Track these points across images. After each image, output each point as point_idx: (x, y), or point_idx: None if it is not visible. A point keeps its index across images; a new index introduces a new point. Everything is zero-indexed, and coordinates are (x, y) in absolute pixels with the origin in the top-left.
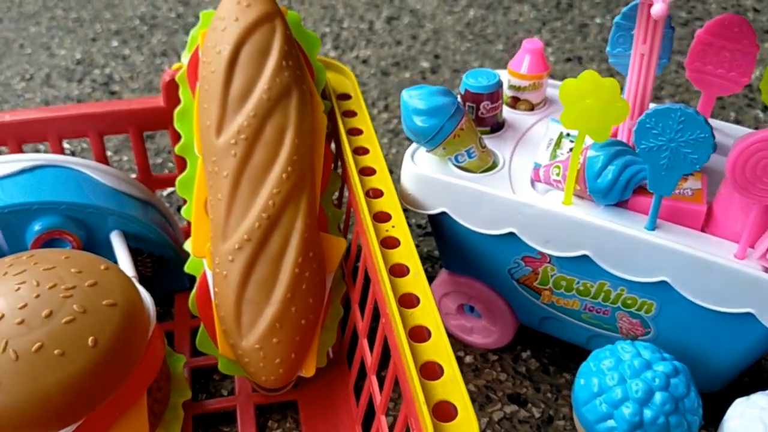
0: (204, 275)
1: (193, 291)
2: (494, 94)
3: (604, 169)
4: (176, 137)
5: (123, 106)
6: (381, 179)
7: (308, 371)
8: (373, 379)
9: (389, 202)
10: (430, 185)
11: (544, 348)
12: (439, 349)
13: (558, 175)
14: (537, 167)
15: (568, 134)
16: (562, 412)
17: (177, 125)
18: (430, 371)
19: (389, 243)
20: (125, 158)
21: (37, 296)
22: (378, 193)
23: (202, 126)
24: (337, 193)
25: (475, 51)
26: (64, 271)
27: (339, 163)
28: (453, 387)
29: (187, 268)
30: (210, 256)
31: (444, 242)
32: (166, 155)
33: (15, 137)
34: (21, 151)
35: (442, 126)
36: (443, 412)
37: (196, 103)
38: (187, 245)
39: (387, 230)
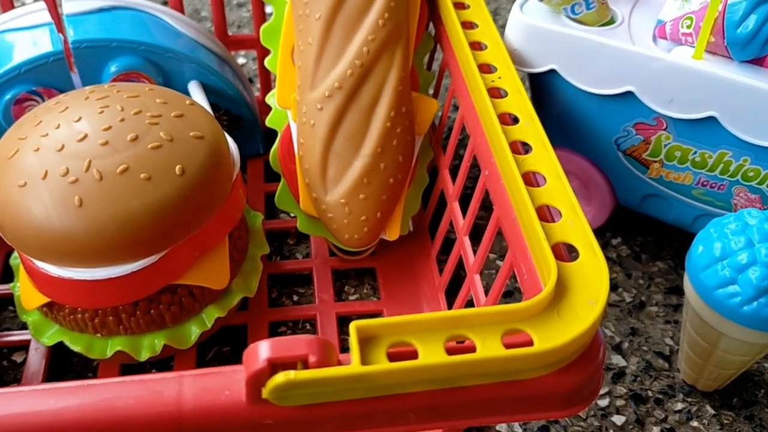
0: (288, 128)
1: (275, 145)
2: None
3: (747, 17)
4: None
5: None
6: (484, 33)
7: (392, 234)
8: (465, 241)
9: (494, 54)
10: (540, 38)
11: (636, 236)
12: (555, 193)
13: (689, 27)
14: (662, 23)
15: None
16: (655, 298)
17: None
18: (546, 216)
19: (495, 94)
20: None
21: (122, 120)
22: (480, 47)
23: None
24: (427, 57)
25: None
26: (149, 100)
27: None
28: (573, 229)
29: (269, 122)
30: (296, 106)
31: (545, 110)
32: (235, 29)
33: None
34: None
35: None
36: (559, 254)
37: None
38: (270, 99)
39: (493, 81)
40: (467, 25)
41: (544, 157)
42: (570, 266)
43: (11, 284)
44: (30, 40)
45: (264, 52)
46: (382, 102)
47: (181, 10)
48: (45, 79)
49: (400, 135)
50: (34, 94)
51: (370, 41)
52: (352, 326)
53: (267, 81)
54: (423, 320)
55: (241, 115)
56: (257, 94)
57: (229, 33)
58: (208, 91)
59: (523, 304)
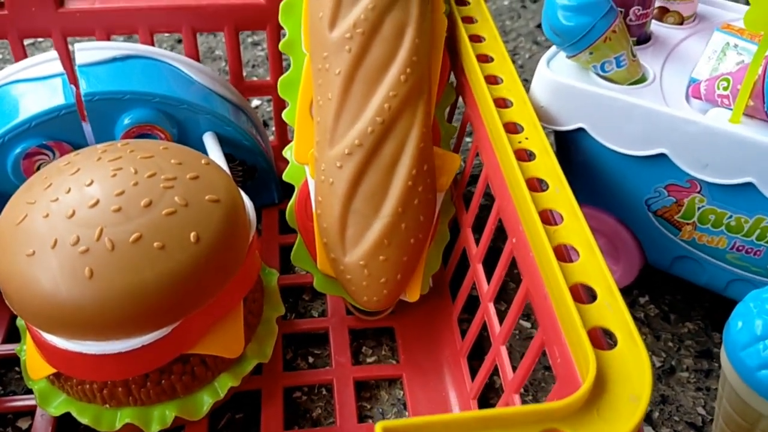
0: (305, 184)
1: (292, 201)
2: None
3: None
4: (274, 38)
5: (220, 0)
6: (509, 89)
7: (412, 296)
8: (490, 307)
9: (520, 113)
10: (568, 96)
11: (664, 294)
12: (589, 270)
13: (726, 89)
14: (695, 82)
15: (735, 45)
16: (685, 363)
17: (282, 20)
18: (580, 296)
19: (523, 156)
20: None
21: (136, 184)
22: (506, 104)
23: (313, 18)
24: (448, 109)
25: None
26: (163, 161)
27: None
28: (610, 313)
29: (286, 176)
30: (314, 162)
31: (572, 166)
32: (250, 69)
33: (104, 27)
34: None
35: (594, 26)
36: (596, 340)
37: None
38: (287, 152)
39: (519, 142)
40: (491, 80)
41: (576, 228)
42: (608, 355)
43: (18, 347)
44: (41, 91)
45: (280, 98)
46: (403, 160)
47: (196, 50)
48: (56, 132)
49: (421, 194)
50: (44, 148)
51: (392, 97)
52: (379, 427)
53: (282, 125)
54: (454, 421)
55: (257, 165)
56: (272, 137)
57: (244, 72)
58: (223, 141)
59: (560, 403)
